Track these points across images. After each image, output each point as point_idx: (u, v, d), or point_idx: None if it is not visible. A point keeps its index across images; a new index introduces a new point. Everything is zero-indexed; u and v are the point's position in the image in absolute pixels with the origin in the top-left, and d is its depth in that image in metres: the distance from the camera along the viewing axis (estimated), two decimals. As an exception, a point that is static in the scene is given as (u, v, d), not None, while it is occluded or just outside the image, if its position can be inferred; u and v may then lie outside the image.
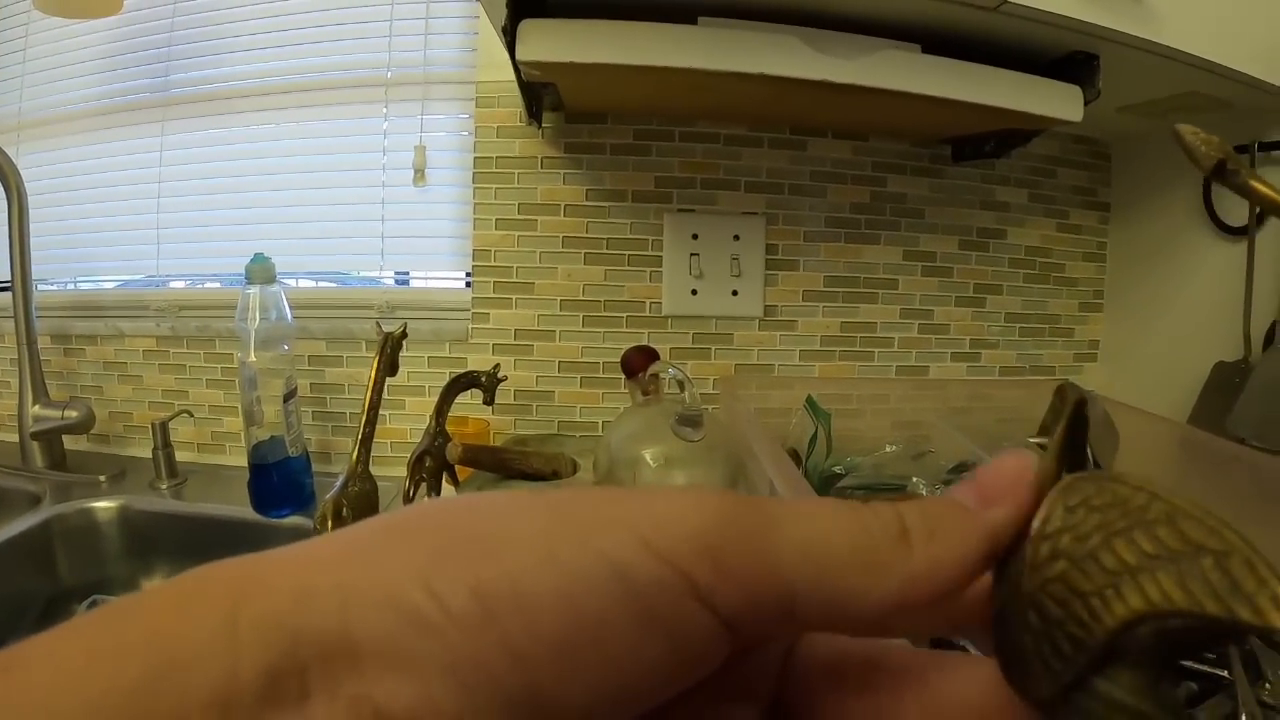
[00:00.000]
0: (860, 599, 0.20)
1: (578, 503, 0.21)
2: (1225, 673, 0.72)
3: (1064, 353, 1.60)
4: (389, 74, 1.46)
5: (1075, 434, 0.24)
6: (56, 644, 0.18)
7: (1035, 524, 0.22)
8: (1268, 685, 0.70)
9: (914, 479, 1.04)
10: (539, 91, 1.27)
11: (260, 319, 1.19)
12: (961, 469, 1.03)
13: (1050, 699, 0.22)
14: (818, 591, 0.20)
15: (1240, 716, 0.65)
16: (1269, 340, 1.32)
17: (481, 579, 0.18)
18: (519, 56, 0.97)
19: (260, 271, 1.21)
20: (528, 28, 0.96)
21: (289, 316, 1.23)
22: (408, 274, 1.57)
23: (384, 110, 1.47)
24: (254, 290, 1.20)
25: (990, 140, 1.39)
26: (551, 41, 0.97)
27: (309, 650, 0.18)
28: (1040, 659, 0.22)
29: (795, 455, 1.11)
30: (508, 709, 0.18)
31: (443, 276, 1.53)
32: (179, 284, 1.55)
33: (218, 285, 1.53)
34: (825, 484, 1.06)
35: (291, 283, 1.53)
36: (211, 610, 0.18)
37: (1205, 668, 0.76)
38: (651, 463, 1.09)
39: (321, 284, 1.58)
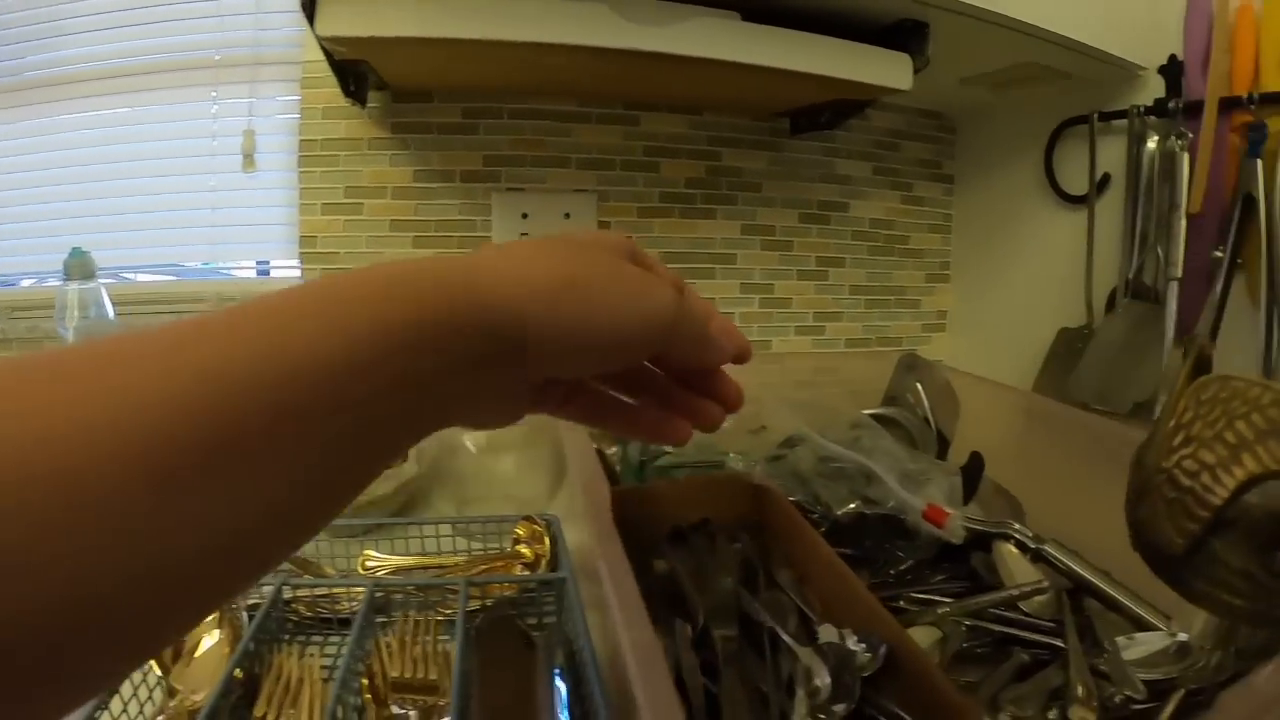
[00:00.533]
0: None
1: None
2: (1060, 642, 0.72)
3: (911, 324, 1.55)
4: (217, 55, 1.40)
5: (1199, 368, 0.28)
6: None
7: (1171, 419, 0.26)
8: (1106, 653, 0.69)
9: (731, 454, 0.99)
10: (359, 70, 1.23)
11: (79, 317, 1.13)
12: (790, 443, 1.01)
13: (1178, 557, 0.26)
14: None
15: (1074, 686, 0.64)
16: (1110, 305, 1.26)
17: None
18: (318, 31, 0.92)
19: (78, 267, 1.14)
20: (327, 1, 0.92)
21: (110, 313, 1.17)
22: (268, 263, 1.52)
23: (212, 94, 1.41)
24: (72, 287, 1.14)
25: (825, 112, 1.34)
26: (350, 15, 0.92)
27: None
28: (1172, 522, 0.26)
29: (613, 437, 1.07)
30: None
31: (282, 265, 1.49)
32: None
33: (32, 283, 1.45)
34: (641, 466, 1.02)
35: (132, 277, 1.49)
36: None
37: (1041, 637, 0.75)
38: (472, 447, 1.07)
39: (163, 277, 1.54)
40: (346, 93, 1.27)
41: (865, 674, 0.62)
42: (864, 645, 0.64)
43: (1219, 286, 1.18)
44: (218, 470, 0.22)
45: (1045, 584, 0.75)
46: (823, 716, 0.57)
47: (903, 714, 0.58)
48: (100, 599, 0.19)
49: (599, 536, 0.72)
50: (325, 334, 0.25)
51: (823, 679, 0.60)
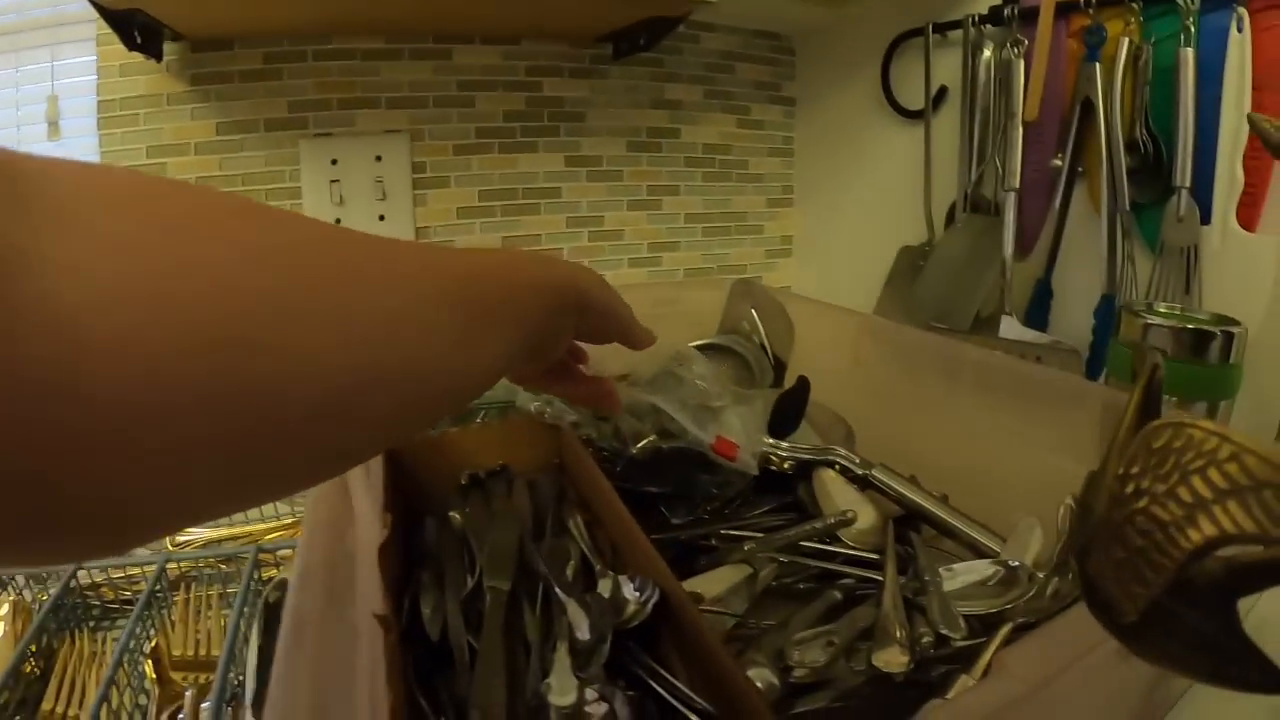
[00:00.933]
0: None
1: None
2: (879, 575, 0.67)
3: (754, 250, 1.50)
4: (15, 19, 1.28)
5: (1151, 392, 0.30)
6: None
7: (1120, 468, 0.26)
8: (926, 579, 0.64)
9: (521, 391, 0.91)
10: (141, 21, 1.11)
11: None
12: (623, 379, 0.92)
13: (1131, 624, 0.26)
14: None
15: (882, 626, 0.59)
16: (950, 221, 1.22)
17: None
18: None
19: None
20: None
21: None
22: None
23: (14, 60, 1.29)
24: None
25: (642, 34, 1.27)
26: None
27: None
28: (1121, 586, 0.26)
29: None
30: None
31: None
32: None
33: None
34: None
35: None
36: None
37: (862, 571, 0.70)
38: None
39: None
40: (132, 46, 1.15)
41: (633, 624, 0.56)
42: (639, 592, 0.58)
43: (1059, 195, 1.14)
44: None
45: (850, 513, 0.69)
46: (581, 675, 0.51)
47: (658, 668, 0.52)
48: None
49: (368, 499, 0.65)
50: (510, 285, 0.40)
51: (583, 632, 0.53)
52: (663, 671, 0.51)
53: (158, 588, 0.84)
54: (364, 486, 0.70)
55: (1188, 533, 0.24)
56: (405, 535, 0.73)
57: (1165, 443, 0.25)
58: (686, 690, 0.49)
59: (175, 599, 0.86)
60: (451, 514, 0.73)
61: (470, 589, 0.63)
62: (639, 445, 0.78)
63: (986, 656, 0.57)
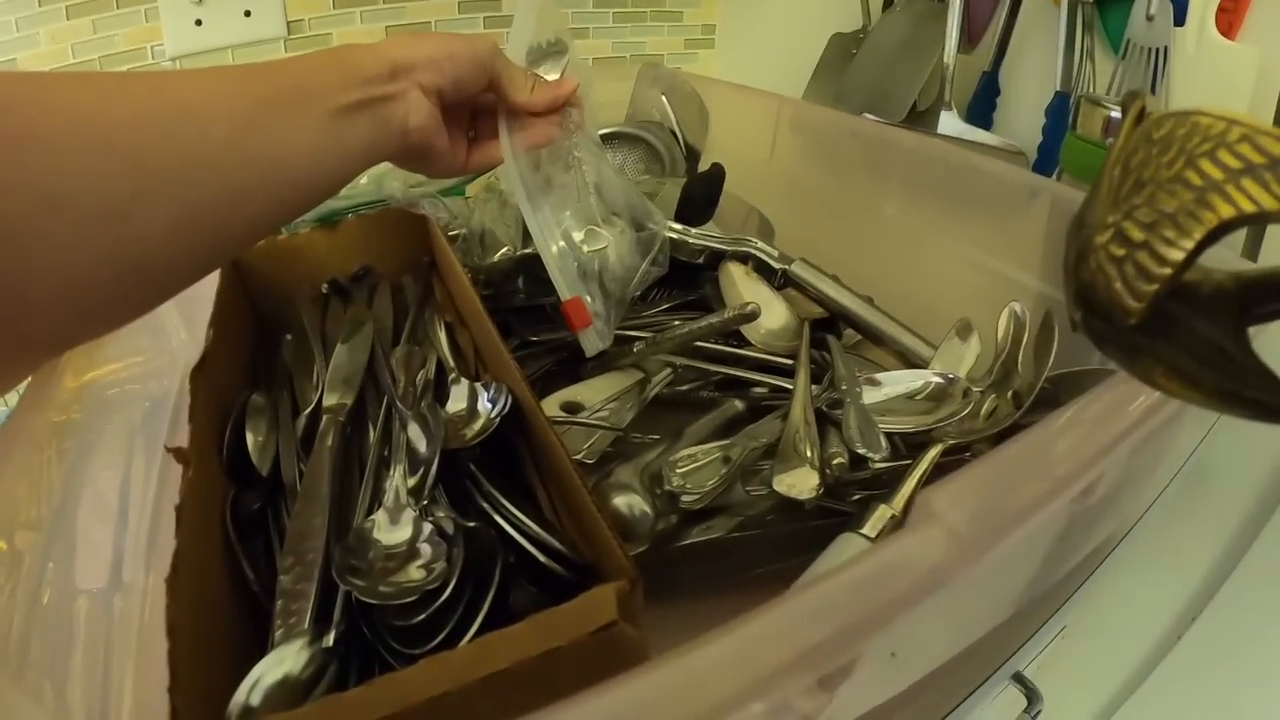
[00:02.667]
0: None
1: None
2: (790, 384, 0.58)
3: (672, 39, 1.34)
4: None
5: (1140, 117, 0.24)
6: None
7: (1118, 166, 0.24)
8: (844, 388, 0.55)
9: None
10: None
11: None
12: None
13: (1135, 328, 0.23)
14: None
15: (787, 441, 0.50)
16: (887, 5, 1.07)
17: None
18: None
19: None
20: None
21: None
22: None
23: None
24: None
25: None
26: None
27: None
28: (1125, 284, 0.23)
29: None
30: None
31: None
32: None
33: None
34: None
35: None
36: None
37: (769, 378, 0.62)
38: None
39: None
40: None
41: (476, 441, 0.46)
42: (491, 403, 0.47)
43: None
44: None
45: (752, 305, 0.58)
46: (411, 500, 0.41)
47: (500, 498, 0.42)
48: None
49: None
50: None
51: (421, 450, 0.43)
52: (505, 502, 0.41)
53: None
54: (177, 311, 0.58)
55: (1200, 214, 0.21)
56: (261, 357, 0.62)
57: (1168, 131, 0.23)
58: (530, 524, 0.40)
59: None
60: (307, 327, 0.62)
61: (310, 411, 0.52)
62: (496, 256, 0.66)
63: (910, 484, 0.48)
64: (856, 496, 0.51)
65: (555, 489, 0.45)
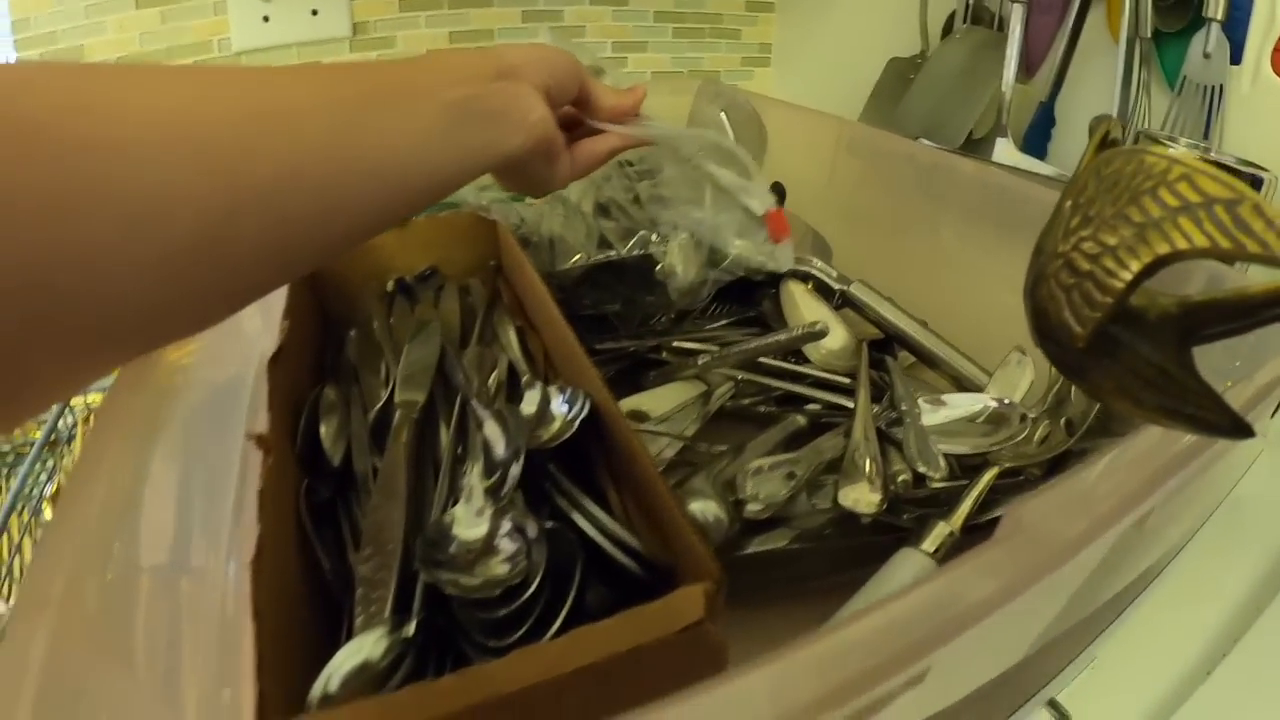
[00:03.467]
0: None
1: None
2: (849, 402, 0.58)
3: (729, 56, 1.35)
4: None
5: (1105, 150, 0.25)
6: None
7: (1070, 200, 0.25)
8: (905, 418, 0.54)
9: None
10: None
11: None
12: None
13: (1081, 351, 0.25)
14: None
15: (851, 458, 0.51)
16: (947, 32, 1.06)
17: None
18: None
19: None
20: None
21: None
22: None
23: None
24: None
25: None
26: None
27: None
28: (1072, 310, 0.25)
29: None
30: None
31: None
32: None
33: None
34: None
35: None
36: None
37: (830, 396, 0.62)
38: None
39: None
40: None
41: (556, 443, 0.46)
42: (567, 406, 0.48)
43: (1073, 13, 0.98)
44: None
45: (821, 324, 0.58)
46: (495, 503, 0.41)
47: (581, 497, 0.42)
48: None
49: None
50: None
51: (500, 451, 0.43)
52: (586, 502, 0.41)
53: (59, 425, 0.74)
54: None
55: (1138, 251, 0.23)
56: (328, 351, 0.63)
57: (1116, 169, 0.24)
58: (611, 524, 0.40)
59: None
60: (374, 324, 0.63)
61: (381, 406, 0.53)
62: (569, 263, 0.67)
63: (968, 503, 0.48)
64: (914, 514, 0.51)
65: (631, 493, 0.45)
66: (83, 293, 0.23)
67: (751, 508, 0.48)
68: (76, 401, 0.84)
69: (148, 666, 0.36)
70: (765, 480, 0.49)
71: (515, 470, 0.41)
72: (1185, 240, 0.21)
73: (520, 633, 0.36)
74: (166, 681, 0.36)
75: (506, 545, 0.39)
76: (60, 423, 0.79)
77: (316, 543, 0.44)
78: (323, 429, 0.50)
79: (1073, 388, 0.56)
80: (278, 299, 0.56)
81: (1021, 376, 0.59)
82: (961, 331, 0.67)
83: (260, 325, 0.56)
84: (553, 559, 0.38)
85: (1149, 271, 0.23)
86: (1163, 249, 0.22)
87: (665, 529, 0.39)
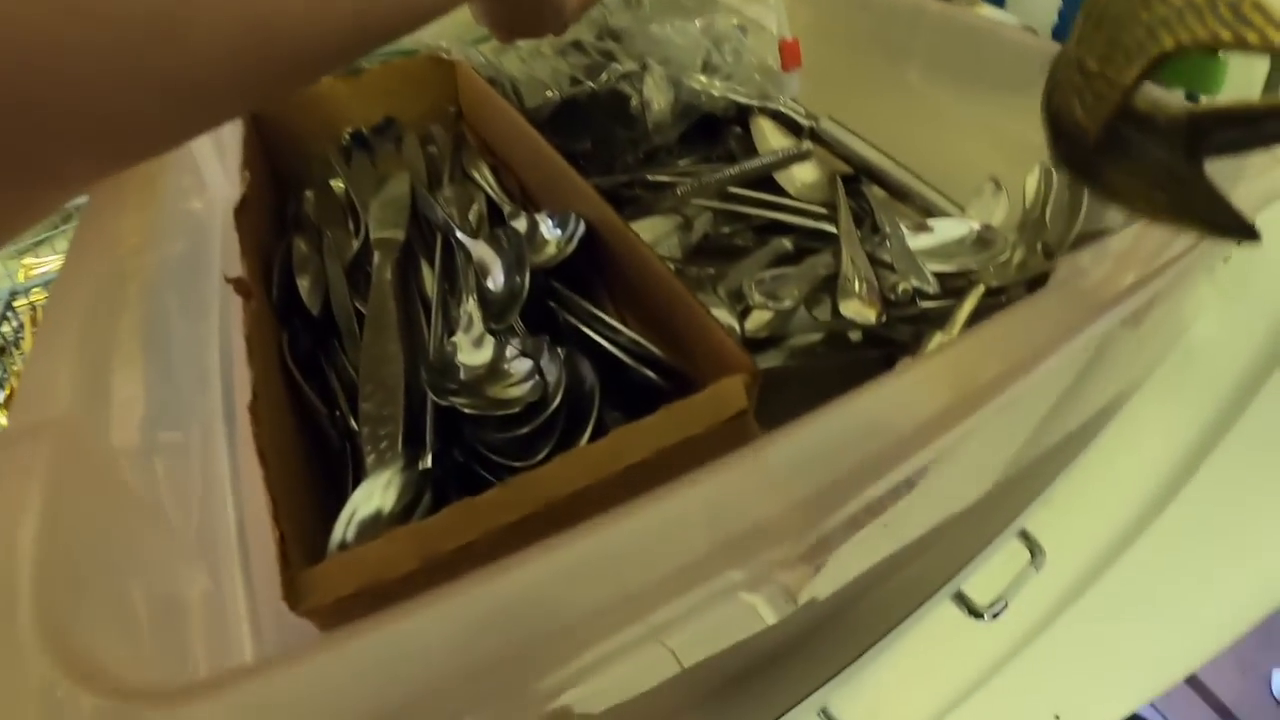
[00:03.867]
0: None
1: None
2: (832, 227, 0.56)
3: None
4: None
5: None
6: None
7: (1086, 9, 0.26)
8: (889, 240, 0.52)
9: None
10: None
11: None
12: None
13: (1093, 146, 0.26)
14: None
15: (847, 275, 0.49)
16: None
17: None
18: None
19: None
20: None
21: None
22: None
23: None
24: None
25: None
26: None
27: None
28: (1084, 108, 0.26)
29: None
30: None
31: None
32: None
33: None
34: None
35: None
36: None
37: (809, 222, 0.58)
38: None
39: None
40: None
41: (555, 263, 0.43)
42: (559, 229, 0.45)
43: None
44: None
45: (807, 146, 0.55)
46: (495, 325, 0.38)
47: (597, 311, 0.39)
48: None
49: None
50: None
51: (495, 277, 0.40)
52: (599, 313, 0.39)
53: (2, 330, 0.69)
54: (212, 152, 0.54)
55: (1147, 47, 0.24)
56: (278, 213, 0.58)
57: None
58: (628, 333, 0.37)
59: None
60: (332, 182, 0.58)
61: (356, 252, 0.49)
62: (542, 100, 0.62)
63: (962, 316, 0.48)
64: (909, 330, 0.50)
65: (640, 309, 0.42)
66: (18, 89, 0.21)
67: (754, 320, 0.46)
68: (20, 303, 0.79)
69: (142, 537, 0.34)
70: (770, 289, 0.47)
71: (523, 291, 0.38)
72: (1189, 34, 0.22)
73: (547, 450, 0.34)
74: (165, 552, 0.33)
75: (517, 367, 0.37)
76: (5, 326, 0.74)
77: (307, 389, 0.41)
78: (299, 279, 0.46)
79: (1047, 216, 0.55)
80: (233, 153, 0.52)
81: (997, 205, 0.58)
82: (933, 172, 0.65)
83: (217, 191, 0.52)
84: (569, 380, 0.36)
85: (1156, 64, 0.24)
86: (1168, 43, 0.23)
87: (686, 334, 0.37)
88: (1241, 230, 0.26)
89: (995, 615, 0.54)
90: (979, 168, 0.60)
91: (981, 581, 0.53)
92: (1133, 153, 0.27)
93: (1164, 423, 0.75)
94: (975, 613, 0.54)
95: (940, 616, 0.51)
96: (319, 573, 0.26)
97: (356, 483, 0.38)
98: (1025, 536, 0.57)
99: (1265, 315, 0.69)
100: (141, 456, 0.32)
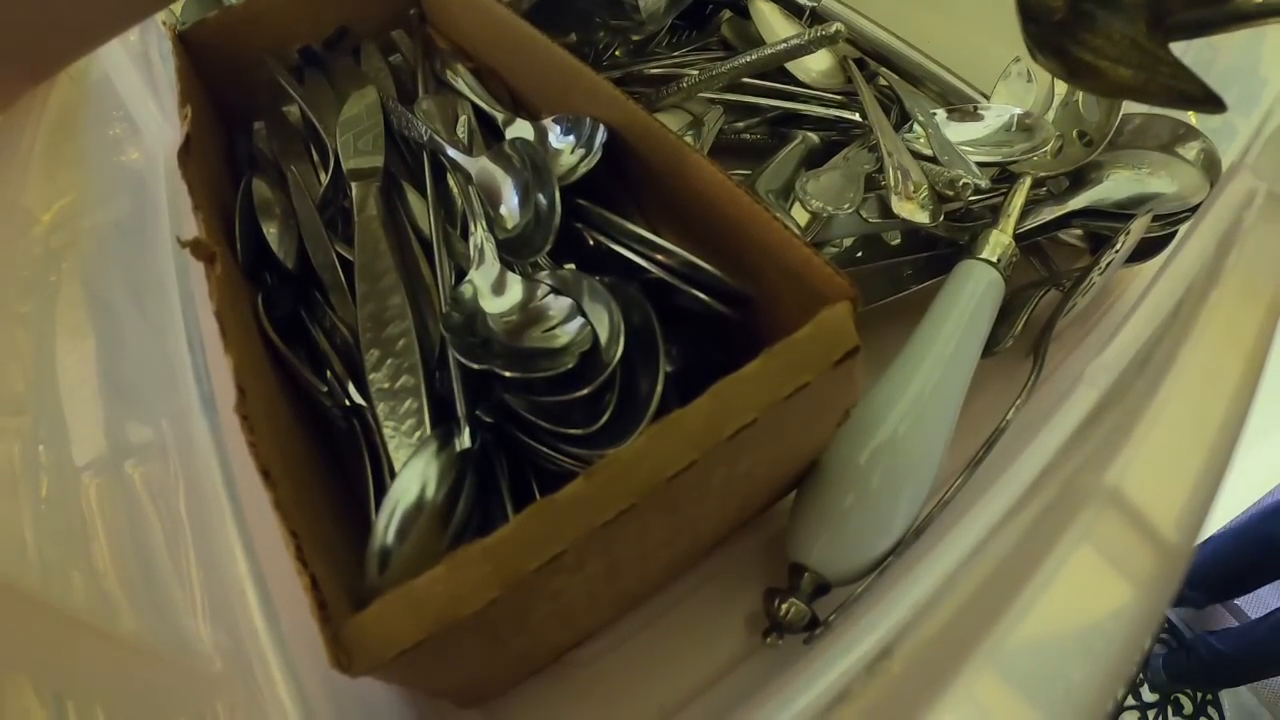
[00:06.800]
0: None
1: None
2: (857, 116, 0.51)
3: None
4: None
5: None
6: None
7: None
8: (926, 129, 0.46)
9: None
10: None
11: None
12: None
13: (1059, 22, 0.26)
14: None
15: (892, 170, 0.43)
16: None
17: None
18: None
19: None
20: None
21: None
22: None
23: None
24: None
25: None
26: None
27: None
28: None
29: None
30: None
31: None
32: None
33: None
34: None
35: None
36: None
37: (831, 112, 0.53)
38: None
39: None
40: None
41: (574, 179, 0.35)
42: (573, 136, 0.37)
43: None
44: None
45: (838, 28, 0.47)
46: (521, 262, 0.31)
47: (625, 223, 0.32)
48: None
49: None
50: None
51: (509, 201, 0.33)
52: (642, 232, 0.31)
53: None
54: (146, 93, 0.45)
55: None
56: (227, 154, 0.49)
57: None
58: (687, 255, 0.30)
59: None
60: (286, 109, 0.50)
61: (327, 186, 0.41)
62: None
63: (1015, 211, 0.44)
64: (963, 229, 0.45)
65: (686, 229, 0.35)
66: None
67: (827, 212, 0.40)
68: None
69: (128, 596, 0.27)
70: (825, 187, 0.39)
71: (549, 209, 0.30)
72: None
73: (610, 409, 0.27)
74: (158, 607, 0.26)
75: (556, 307, 0.29)
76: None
77: (299, 365, 0.33)
78: (265, 228, 0.38)
79: (1082, 98, 0.50)
80: (166, 88, 0.43)
81: (1026, 89, 0.52)
82: (946, 57, 0.58)
83: (154, 137, 0.43)
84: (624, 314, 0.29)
85: None
86: None
87: (754, 252, 0.30)
88: (1208, 100, 0.26)
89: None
90: (998, 55, 0.53)
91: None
92: (1098, 29, 0.27)
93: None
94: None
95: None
96: (373, 620, 0.20)
97: (374, 467, 0.31)
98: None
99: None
100: (111, 487, 0.25)
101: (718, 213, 0.31)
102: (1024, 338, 0.43)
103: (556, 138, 0.37)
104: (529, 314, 0.30)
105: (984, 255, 0.41)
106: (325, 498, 0.30)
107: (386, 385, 0.30)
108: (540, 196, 0.31)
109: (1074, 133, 0.49)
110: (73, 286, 0.39)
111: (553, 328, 0.29)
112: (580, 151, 0.36)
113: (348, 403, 0.33)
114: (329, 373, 0.34)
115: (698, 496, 0.25)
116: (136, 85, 0.47)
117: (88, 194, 0.44)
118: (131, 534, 0.28)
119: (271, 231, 0.39)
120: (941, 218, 0.43)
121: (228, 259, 0.34)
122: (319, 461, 0.33)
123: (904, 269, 0.47)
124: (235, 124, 0.50)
